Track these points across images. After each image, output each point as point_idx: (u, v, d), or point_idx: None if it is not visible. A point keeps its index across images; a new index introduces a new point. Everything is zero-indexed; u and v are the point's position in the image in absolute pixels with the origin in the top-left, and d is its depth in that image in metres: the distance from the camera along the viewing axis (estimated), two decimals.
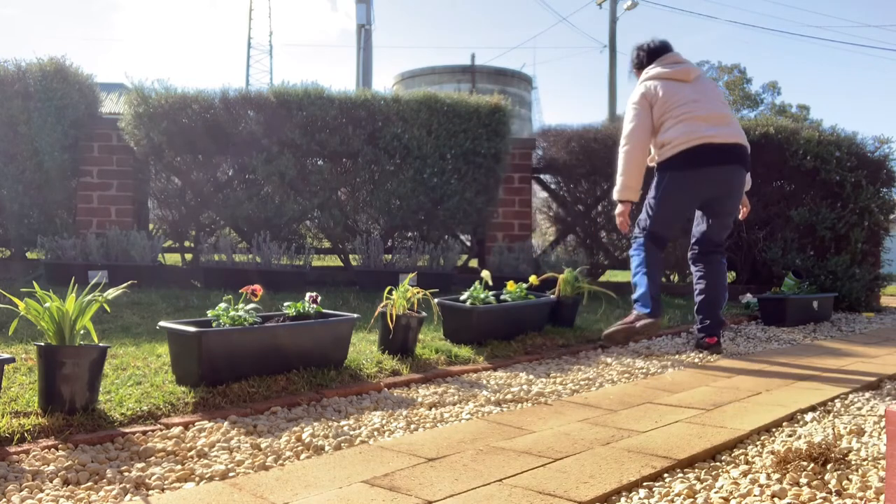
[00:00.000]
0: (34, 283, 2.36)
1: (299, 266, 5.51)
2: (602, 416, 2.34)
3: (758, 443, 2.05)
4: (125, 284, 2.38)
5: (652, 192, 3.86)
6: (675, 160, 3.72)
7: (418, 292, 3.12)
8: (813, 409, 2.47)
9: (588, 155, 6.34)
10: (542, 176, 6.90)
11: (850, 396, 2.68)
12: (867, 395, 2.72)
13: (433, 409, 2.45)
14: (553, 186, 6.93)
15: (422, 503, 1.54)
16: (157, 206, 6.17)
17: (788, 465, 1.76)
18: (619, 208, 3.85)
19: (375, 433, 2.12)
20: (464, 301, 3.56)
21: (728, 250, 4.20)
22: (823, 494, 1.59)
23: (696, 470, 1.80)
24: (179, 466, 1.79)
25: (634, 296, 3.80)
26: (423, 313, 3.20)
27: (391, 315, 3.01)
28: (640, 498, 1.60)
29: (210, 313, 2.56)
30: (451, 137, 5.76)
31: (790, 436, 2.11)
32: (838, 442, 1.98)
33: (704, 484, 1.69)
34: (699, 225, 3.88)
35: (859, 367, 3.33)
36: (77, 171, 5.96)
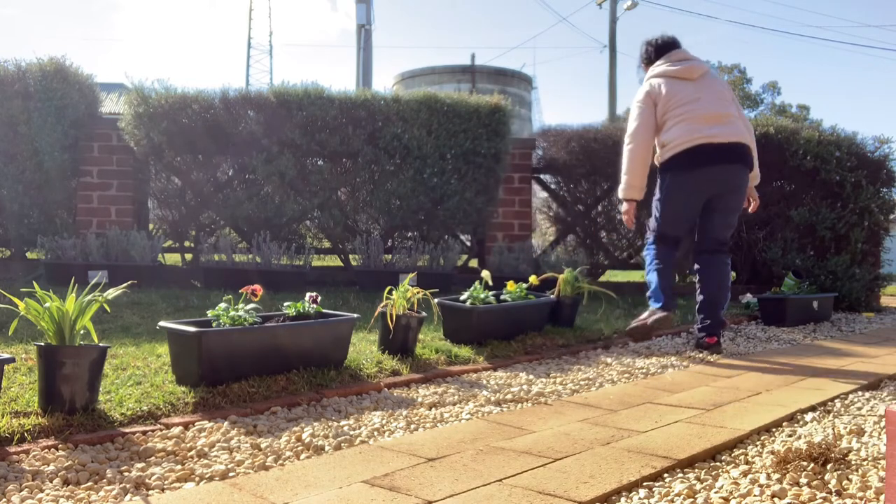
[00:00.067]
0: (34, 283, 2.36)
1: (299, 266, 5.51)
2: (602, 416, 2.34)
3: (758, 443, 2.05)
4: (125, 284, 2.39)
5: (657, 193, 3.91)
6: (674, 161, 3.76)
7: (418, 292, 3.12)
8: (813, 409, 2.47)
9: (588, 155, 6.34)
10: (542, 176, 6.90)
11: (850, 396, 2.68)
12: (867, 395, 2.72)
13: (433, 409, 2.45)
14: (553, 186, 6.93)
15: (422, 503, 1.54)
16: (157, 206, 6.17)
17: (788, 465, 1.76)
18: (624, 206, 3.92)
19: (375, 433, 2.12)
20: (464, 301, 3.56)
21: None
22: (823, 494, 1.59)
23: (696, 470, 1.80)
24: (179, 466, 1.79)
25: (648, 293, 3.92)
26: (423, 313, 3.20)
27: (391, 315, 3.01)
28: (640, 498, 1.60)
29: (210, 313, 2.56)
30: (451, 137, 5.76)
31: (790, 436, 2.11)
32: (838, 442, 1.98)
33: (704, 484, 1.69)
34: (703, 223, 3.88)
35: (859, 367, 3.33)
36: (77, 171, 5.97)
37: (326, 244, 6.32)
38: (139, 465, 1.78)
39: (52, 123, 5.66)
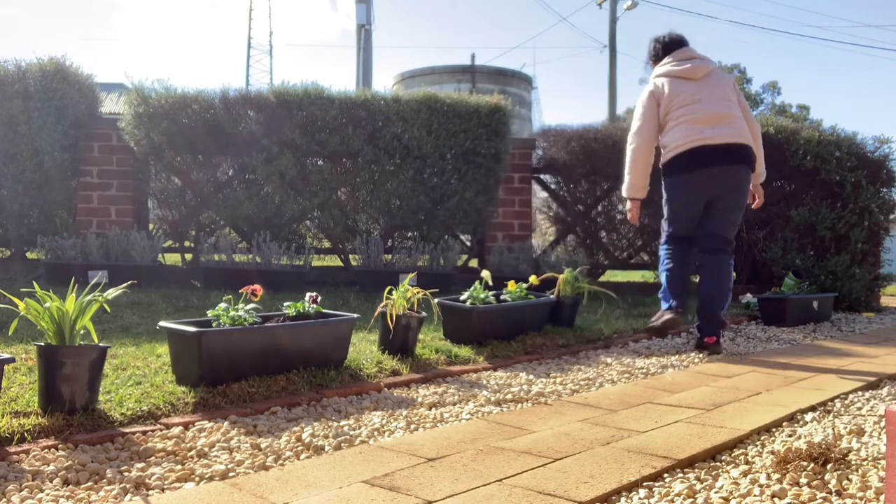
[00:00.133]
0: (34, 283, 2.36)
1: (299, 266, 5.51)
2: (602, 416, 2.34)
3: (758, 443, 2.05)
4: (125, 284, 2.38)
5: (663, 194, 3.98)
6: (673, 163, 3.83)
7: (418, 292, 3.12)
8: (813, 409, 2.47)
9: (588, 155, 6.35)
10: (542, 176, 6.90)
11: (850, 396, 2.68)
12: (867, 395, 2.72)
13: (433, 409, 2.45)
14: (553, 186, 6.93)
15: (422, 503, 1.54)
16: (157, 206, 6.17)
17: (788, 465, 1.76)
18: (628, 204, 4.02)
19: (375, 433, 2.12)
20: (464, 301, 3.56)
21: None
22: (823, 494, 1.59)
23: (696, 470, 1.80)
24: (179, 466, 1.79)
25: (659, 292, 4.04)
26: (423, 313, 3.20)
27: (391, 315, 3.01)
28: (640, 498, 1.60)
29: (210, 313, 2.56)
30: (451, 137, 5.76)
31: (790, 436, 2.11)
32: (838, 442, 1.98)
33: (704, 484, 1.69)
34: (705, 222, 3.89)
35: (859, 367, 3.33)
36: (77, 171, 5.97)
37: (326, 244, 6.32)
38: (139, 465, 1.78)
39: (52, 123, 5.66)
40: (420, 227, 5.94)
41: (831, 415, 2.40)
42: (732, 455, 1.93)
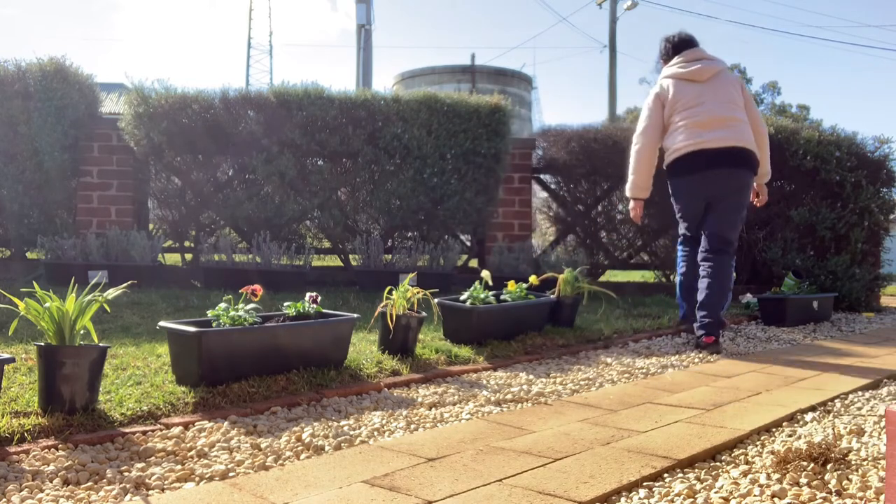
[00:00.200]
0: (34, 283, 2.36)
1: (299, 266, 5.51)
2: (602, 416, 2.34)
3: (758, 443, 2.05)
4: (125, 284, 2.39)
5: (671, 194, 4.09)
6: (673, 166, 3.92)
7: (418, 292, 3.12)
8: (813, 409, 2.47)
9: (588, 155, 6.35)
10: (542, 176, 6.90)
11: (850, 396, 2.68)
12: (867, 395, 2.72)
13: (433, 409, 2.45)
14: (553, 186, 6.93)
15: (422, 503, 1.54)
16: (157, 206, 6.17)
17: (788, 465, 1.76)
18: (631, 204, 4.10)
19: (375, 433, 2.12)
20: (464, 301, 3.56)
21: None
22: (823, 494, 1.59)
23: (696, 470, 1.80)
24: (179, 466, 1.79)
25: (677, 297, 4.21)
26: (423, 313, 3.20)
27: (391, 315, 3.01)
28: (640, 498, 1.60)
29: (210, 313, 2.56)
30: (451, 137, 5.76)
31: (790, 436, 2.11)
32: (838, 442, 1.98)
33: (704, 484, 1.69)
34: (706, 222, 3.93)
35: (859, 367, 3.33)
36: (77, 171, 5.96)
37: (326, 244, 6.32)
38: (139, 465, 1.78)
39: (52, 123, 5.65)
40: (420, 227, 5.94)
41: (831, 415, 2.40)
42: (732, 455, 1.93)
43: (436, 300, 3.31)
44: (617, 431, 2.14)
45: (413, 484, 1.66)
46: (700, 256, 3.91)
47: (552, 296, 3.98)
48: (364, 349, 3.14)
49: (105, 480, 1.68)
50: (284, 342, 2.63)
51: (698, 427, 2.17)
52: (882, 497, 1.56)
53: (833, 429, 2.14)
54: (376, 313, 3.13)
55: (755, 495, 1.60)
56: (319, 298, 2.89)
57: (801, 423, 2.29)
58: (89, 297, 2.12)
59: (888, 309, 6.32)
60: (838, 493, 1.61)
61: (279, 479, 1.70)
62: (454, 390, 2.71)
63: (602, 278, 6.85)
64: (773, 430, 2.20)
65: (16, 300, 2.09)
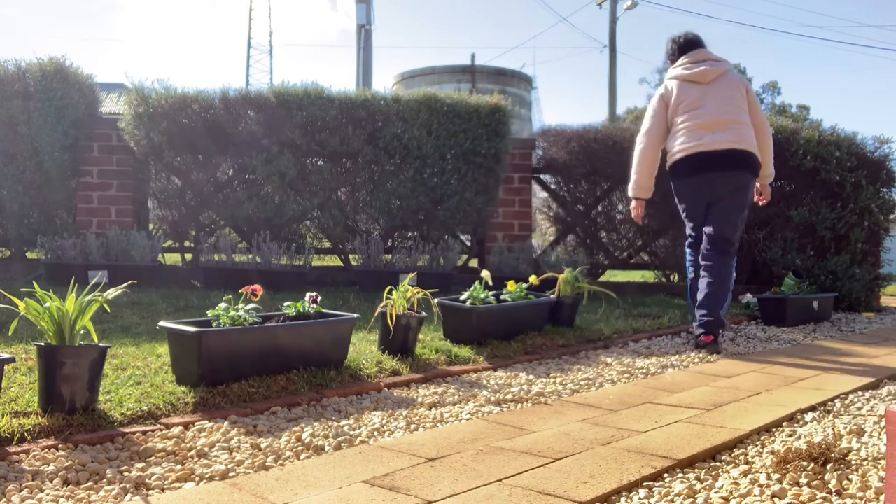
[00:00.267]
0: (34, 283, 2.36)
1: (299, 266, 5.51)
2: (602, 416, 2.34)
3: (758, 443, 2.05)
4: (125, 284, 2.39)
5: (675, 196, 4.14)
6: (674, 168, 3.98)
7: (418, 292, 3.12)
8: (813, 409, 2.47)
9: (588, 155, 6.34)
10: (542, 176, 6.90)
11: (850, 396, 2.68)
12: (867, 395, 2.72)
13: (433, 409, 2.45)
14: (553, 186, 6.93)
15: (422, 503, 1.54)
16: (157, 206, 6.17)
17: (788, 465, 1.76)
18: (633, 203, 4.13)
19: (375, 433, 2.12)
20: (464, 301, 3.56)
21: None
22: (823, 494, 1.59)
23: (696, 470, 1.80)
24: (179, 466, 1.79)
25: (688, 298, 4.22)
26: (423, 313, 3.20)
27: (391, 315, 3.01)
28: (640, 498, 1.60)
29: (210, 313, 2.56)
30: (451, 137, 5.76)
31: (790, 436, 2.11)
32: (838, 442, 1.98)
33: (704, 484, 1.69)
34: (707, 222, 3.96)
35: (859, 366, 3.33)
36: (77, 171, 5.96)
37: (326, 244, 6.32)
38: (139, 465, 1.78)
39: (52, 123, 5.65)
40: (420, 227, 5.94)
41: (831, 415, 2.40)
42: (732, 455, 1.93)
43: (436, 300, 3.32)
44: (617, 431, 2.14)
45: (413, 484, 1.66)
46: (701, 255, 3.92)
47: (552, 296, 3.98)
48: (364, 349, 3.14)
49: (105, 480, 1.68)
50: (284, 342, 2.63)
51: (698, 427, 2.17)
52: (882, 497, 1.56)
53: (833, 429, 2.14)
54: (376, 313, 3.13)
55: (755, 495, 1.60)
56: (319, 298, 2.89)
57: (801, 423, 2.29)
58: (89, 297, 2.12)
59: (888, 309, 6.32)
60: (838, 493, 1.61)
61: (279, 479, 1.70)
62: (454, 390, 2.71)
63: (602, 278, 6.85)
64: (773, 430, 2.20)
65: (16, 300, 2.09)
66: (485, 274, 3.70)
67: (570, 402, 2.58)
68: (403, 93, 6.01)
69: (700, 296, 3.84)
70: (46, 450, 1.85)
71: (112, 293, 2.20)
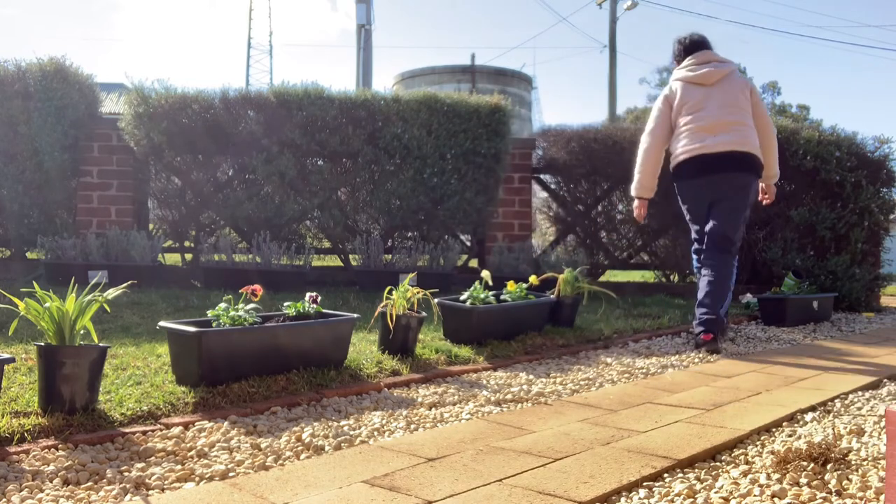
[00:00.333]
0: (34, 283, 2.36)
1: (299, 266, 5.51)
2: (602, 416, 2.34)
3: (758, 443, 2.05)
4: (125, 284, 2.39)
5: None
6: (677, 170, 4.02)
7: (418, 292, 3.12)
8: (813, 409, 2.47)
9: (588, 155, 6.34)
10: (542, 176, 6.90)
11: (850, 396, 2.68)
12: (867, 395, 2.72)
13: (433, 409, 2.45)
14: (553, 186, 6.93)
15: (422, 503, 1.54)
16: (157, 206, 6.17)
17: (788, 465, 1.76)
18: (635, 203, 4.16)
19: (375, 433, 2.12)
20: (464, 301, 3.56)
21: None
22: (823, 494, 1.59)
23: (696, 470, 1.80)
24: (179, 466, 1.79)
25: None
26: (423, 313, 3.20)
27: (391, 315, 3.01)
28: (640, 498, 1.60)
29: (210, 313, 2.56)
30: (451, 137, 5.76)
31: (790, 436, 2.11)
32: (838, 442, 1.98)
33: (704, 484, 1.69)
34: (709, 222, 3.98)
35: (859, 367, 3.33)
36: (77, 171, 5.96)
37: (326, 244, 6.32)
38: (139, 465, 1.78)
39: (52, 123, 5.65)
40: (420, 227, 5.94)
41: (831, 415, 2.40)
42: (732, 455, 1.93)
43: (436, 300, 3.32)
44: (617, 431, 2.14)
45: (413, 484, 1.66)
46: (703, 254, 3.95)
47: (552, 296, 3.98)
48: (364, 349, 3.14)
49: (105, 480, 1.68)
50: (284, 342, 2.63)
51: (698, 427, 2.18)
52: (882, 497, 1.56)
53: (833, 429, 2.14)
54: (376, 313, 3.13)
55: (755, 495, 1.60)
56: (319, 298, 2.89)
57: (801, 423, 2.29)
58: (89, 297, 2.12)
59: (888, 309, 6.32)
60: (838, 493, 1.61)
61: (279, 479, 1.70)
62: (454, 390, 2.71)
63: (602, 278, 6.85)
64: (773, 430, 2.20)
65: (16, 300, 2.09)
66: (485, 274, 3.70)
67: (570, 402, 2.58)
68: (403, 93, 6.02)
69: (700, 294, 3.85)
70: (46, 450, 1.85)
71: (112, 293, 2.20)
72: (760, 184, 4.12)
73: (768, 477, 1.71)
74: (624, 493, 1.63)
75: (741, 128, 3.88)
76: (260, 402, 2.37)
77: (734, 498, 1.59)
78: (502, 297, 3.78)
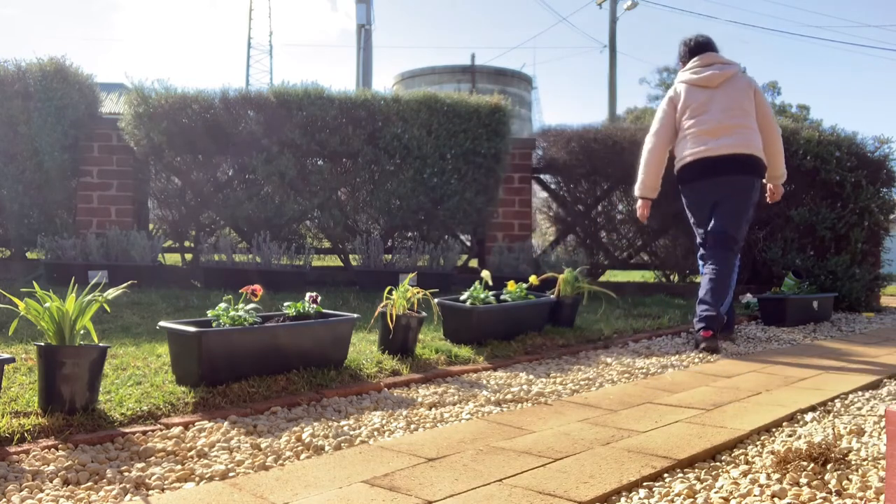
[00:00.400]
0: (34, 283, 2.36)
1: (299, 266, 5.51)
2: (602, 416, 2.34)
3: (758, 443, 2.05)
4: (125, 284, 2.39)
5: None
6: (682, 172, 4.06)
7: (418, 292, 3.12)
8: (813, 409, 2.47)
9: (588, 155, 6.34)
10: (542, 176, 6.90)
11: (850, 396, 2.68)
12: (867, 395, 2.72)
13: (433, 409, 2.45)
14: (553, 186, 6.93)
15: (422, 503, 1.54)
16: (157, 206, 6.17)
17: (788, 465, 1.76)
18: (639, 202, 4.18)
19: (375, 433, 2.12)
20: (464, 301, 3.56)
21: None
22: (823, 494, 1.59)
23: (696, 470, 1.80)
24: (179, 466, 1.79)
25: None
26: (423, 313, 3.20)
27: (391, 315, 3.01)
28: (640, 498, 1.60)
29: (210, 313, 2.56)
30: (451, 137, 5.76)
31: (790, 436, 2.11)
32: (838, 442, 1.98)
33: (704, 484, 1.69)
34: (712, 222, 4.01)
35: (859, 367, 3.33)
36: (77, 171, 5.96)
37: (326, 244, 6.32)
38: (139, 465, 1.78)
39: (52, 123, 5.65)
40: (420, 227, 5.94)
41: (831, 415, 2.40)
42: (732, 455, 1.93)
43: (436, 300, 3.32)
44: (617, 431, 2.14)
45: (413, 484, 1.66)
46: (706, 252, 3.98)
47: (552, 296, 3.98)
48: (364, 349, 3.14)
49: (105, 480, 1.68)
50: (284, 342, 2.63)
51: (698, 427, 2.18)
52: (882, 497, 1.56)
53: (833, 429, 2.14)
54: (376, 313, 3.13)
55: (755, 495, 1.60)
56: (319, 298, 2.89)
57: (801, 423, 2.29)
58: (89, 297, 2.12)
59: (888, 309, 6.32)
60: (838, 493, 1.61)
61: (279, 479, 1.70)
62: (454, 390, 2.71)
63: (602, 278, 6.85)
64: (773, 430, 2.20)
65: (16, 300, 2.09)
66: (485, 274, 3.70)
67: (570, 402, 2.58)
68: (403, 93, 6.01)
69: (701, 291, 3.88)
70: (46, 450, 1.85)
71: (112, 293, 2.20)
72: (768, 184, 4.16)
73: (768, 477, 1.71)
74: (624, 493, 1.63)
75: (744, 130, 3.92)
76: (260, 402, 2.37)
77: (734, 498, 1.59)
78: (502, 297, 3.78)
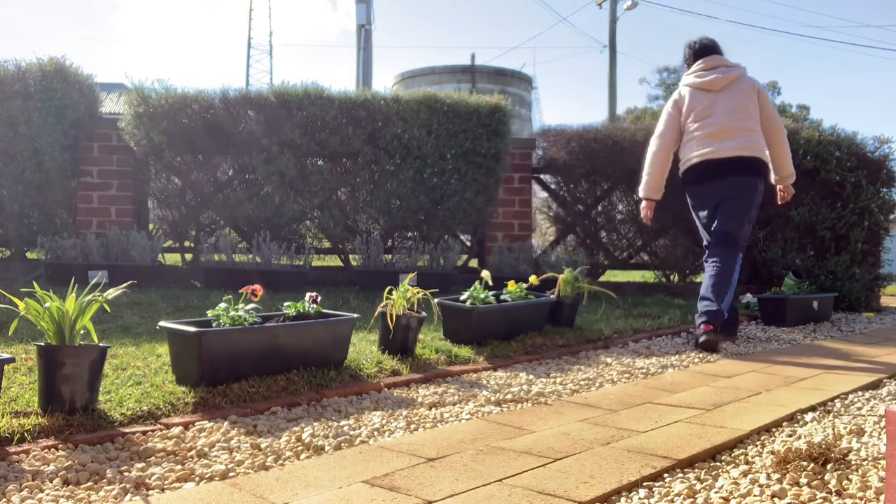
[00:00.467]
0: (34, 283, 2.36)
1: (299, 266, 5.51)
2: (602, 416, 2.34)
3: (758, 443, 2.05)
4: (125, 284, 2.38)
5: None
6: (686, 176, 4.12)
7: (418, 292, 3.12)
8: (813, 409, 2.47)
9: (588, 155, 6.35)
10: (542, 176, 6.90)
11: (850, 396, 2.68)
12: (867, 395, 2.72)
13: (433, 409, 2.45)
14: (553, 186, 6.93)
15: (422, 503, 1.54)
16: (157, 206, 6.17)
17: (788, 465, 1.76)
18: (643, 203, 4.23)
19: (375, 433, 2.12)
20: (464, 301, 3.56)
21: None
22: (823, 494, 1.59)
23: (696, 470, 1.80)
24: (179, 466, 1.79)
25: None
26: (423, 313, 3.20)
27: (391, 315, 3.01)
28: (640, 498, 1.60)
29: (210, 313, 2.56)
30: (451, 137, 5.76)
31: (790, 436, 2.11)
32: (838, 442, 1.98)
33: (704, 484, 1.69)
34: (715, 222, 4.04)
35: (859, 367, 3.33)
36: (77, 171, 5.97)
37: (326, 244, 6.32)
38: (139, 465, 1.78)
39: (52, 123, 5.65)
40: (420, 227, 5.94)
41: (831, 415, 2.40)
42: (732, 455, 1.93)
43: (436, 300, 3.32)
44: (617, 431, 2.14)
45: (413, 484, 1.66)
46: (708, 250, 4.01)
47: (552, 296, 3.98)
48: (364, 349, 3.14)
49: (105, 480, 1.68)
50: (284, 342, 2.63)
51: (698, 427, 2.18)
52: (882, 497, 1.56)
53: (833, 429, 2.14)
54: (376, 313, 3.13)
55: (755, 495, 1.60)
56: (319, 298, 2.89)
57: (801, 423, 2.29)
58: (89, 297, 2.12)
59: (888, 309, 6.32)
60: (838, 493, 1.61)
61: (279, 479, 1.70)
62: (454, 390, 2.71)
63: (602, 278, 6.85)
64: (773, 430, 2.20)
65: (16, 300, 2.09)
66: (485, 274, 3.70)
67: (570, 402, 2.58)
68: (403, 93, 6.02)
69: (703, 288, 3.90)
70: (46, 450, 1.85)
71: (112, 293, 2.20)
72: (777, 185, 4.20)
73: (768, 477, 1.71)
74: (624, 493, 1.63)
75: (748, 133, 3.96)
76: (260, 402, 2.37)
77: (734, 498, 1.59)
78: (502, 297, 3.78)
